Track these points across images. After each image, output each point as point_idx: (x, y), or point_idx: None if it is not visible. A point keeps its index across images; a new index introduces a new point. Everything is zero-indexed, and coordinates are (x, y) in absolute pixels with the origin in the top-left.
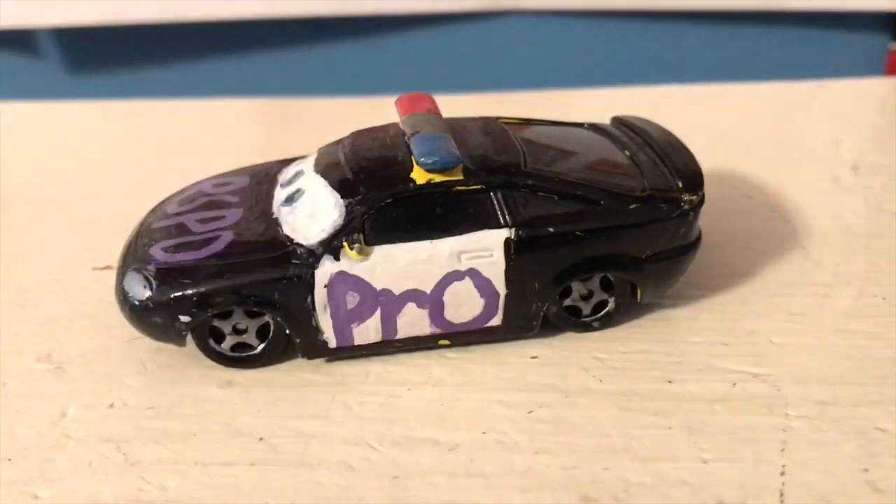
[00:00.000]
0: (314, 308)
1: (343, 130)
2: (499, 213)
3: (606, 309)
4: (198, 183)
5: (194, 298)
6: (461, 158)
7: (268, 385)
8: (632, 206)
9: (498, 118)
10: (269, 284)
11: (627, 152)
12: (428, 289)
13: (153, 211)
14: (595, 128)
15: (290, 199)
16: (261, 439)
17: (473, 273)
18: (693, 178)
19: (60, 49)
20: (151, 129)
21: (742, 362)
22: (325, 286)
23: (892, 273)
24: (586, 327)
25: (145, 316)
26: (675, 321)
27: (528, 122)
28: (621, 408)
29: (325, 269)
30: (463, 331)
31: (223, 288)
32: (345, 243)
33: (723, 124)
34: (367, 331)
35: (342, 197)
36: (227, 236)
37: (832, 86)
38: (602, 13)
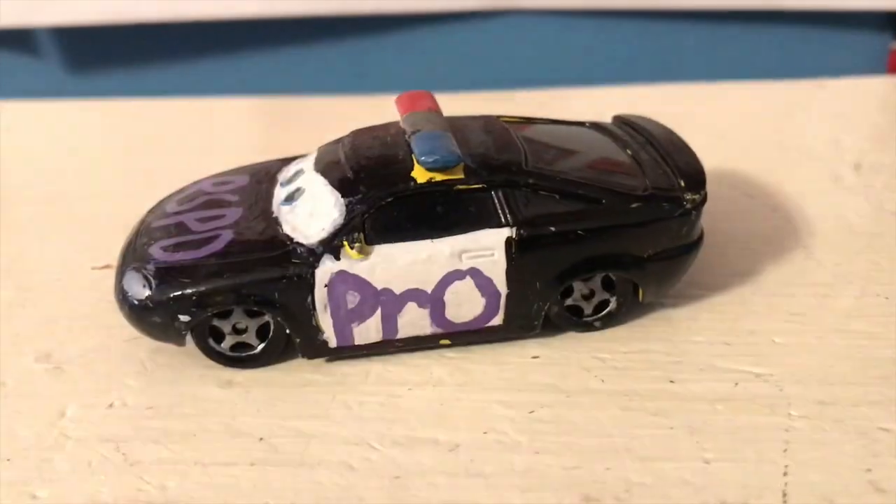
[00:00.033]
0: (314, 307)
1: (343, 129)
2: (500, 212)
3: (608, 308)
4: (197, 182)
5: (194, 298)
6: (462, 157)
7: (268, 385)
8: (633, 206)
9: (499, 117)
10: (268, 284)
11: (629, 151)
12: (429, 288)
13: (152, 210)
14: (596, 126)
15: (290, 198)
16: (261, 439)
17: (474, 272)
18: (695, 176)
19: (60, 48)
20: (151, 128)
21: (744, 362)
22: (326, 286)
23: (894, 272)
24: (588, 327)
25: (145, 315)
26: (676, 321)
27: (530, 121)
28: (623, 408)
29: (326, 269)
30: (464, 330)
31: (223, 287)
32: (345, 242)
33: (723, 124)
34: (368, 330)
35: (342, 196)
36: (227, 235)
37: (833, 85)
38: (603, 12)
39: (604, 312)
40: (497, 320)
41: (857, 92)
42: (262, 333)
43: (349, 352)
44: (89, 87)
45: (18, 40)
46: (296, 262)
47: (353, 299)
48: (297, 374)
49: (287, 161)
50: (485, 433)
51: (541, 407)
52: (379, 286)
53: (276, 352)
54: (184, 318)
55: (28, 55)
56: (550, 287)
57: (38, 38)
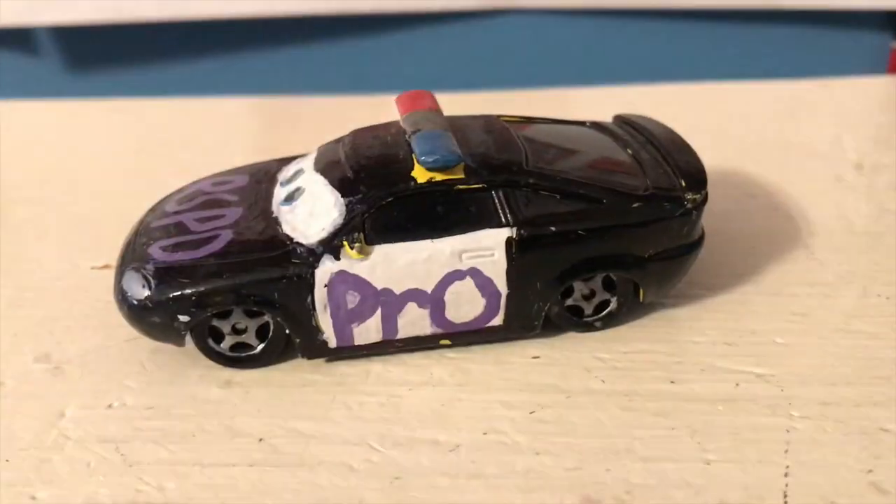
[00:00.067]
0: (314, 308)
1: (343, 129)
2: (500, 211)
3: (608, 309)
4: (197, 182)
5: (193, 298)
6: (462, 157)
7: (267, 385)
8: (634, 205)
9: (499, 116)
10: (268, 284)
11: (630, 151)
12: (429, 288)
13: (152, 210)
14: (597, 126)
15: (289, 198)
16: (260, 440)
17: (475, 272)
18: (696, 176)
19: (59, 47)
20: (151, 127)
21: (745, 362)
22: (325, 286)
23: (895, 272)
24: (588, 327)
25: (144, 315)
26: (677, 321)
27: (530, 121)
28: (623, 408)
29: (325, 269)
30: (464, 330)
31: (222, 287)
32: (345, 242)
33: (725, 123)
34: (368, 331)
35: (342, 196)
36: (227, 235)
37: (835, 84)
38: (604, 11)
39: (604, 312)
40: (497, 320)
41: (858, 92)
42: (261, 334)
43: (349, 352)
44: (89, 87)
45: (18, 40)
46: (295, 262)
47: (353, 299)
48: (297, 374)
49: (287, 161)
50: (485, 434)
51: (541, 407)
52: (379, 286)
53: (276, 352)
54: (183, 318)
55: (28, 55)
56: (551, 287)
57: (38, 38)
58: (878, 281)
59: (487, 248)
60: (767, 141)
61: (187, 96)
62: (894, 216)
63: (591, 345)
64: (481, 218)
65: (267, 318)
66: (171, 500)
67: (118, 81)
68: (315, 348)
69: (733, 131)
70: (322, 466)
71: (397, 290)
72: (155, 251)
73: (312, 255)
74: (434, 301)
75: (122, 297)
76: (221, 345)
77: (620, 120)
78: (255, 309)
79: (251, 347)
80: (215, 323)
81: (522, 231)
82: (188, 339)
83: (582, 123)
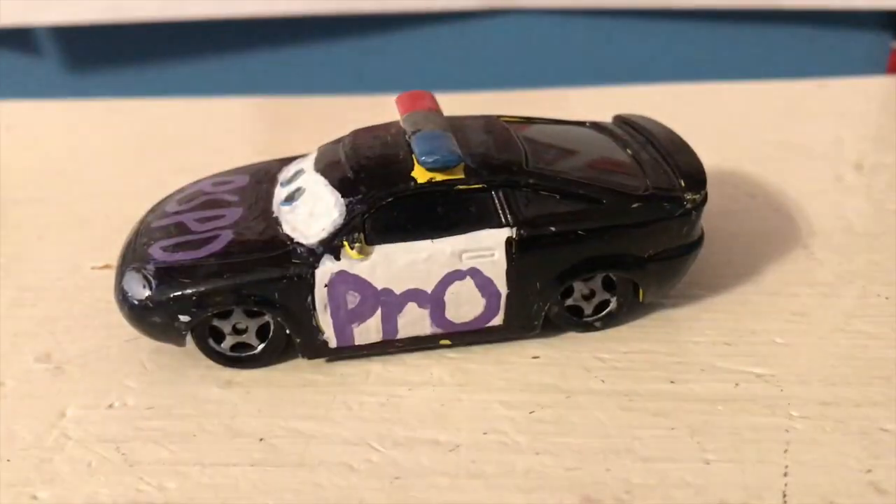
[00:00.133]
0: (314, 308)
1: (343, 129)
2: (500, 212)
3: (608, 309)
4: (197, 182)
5: (194, 298)
6: (462, 157)
7: (268, 385)
8: (634, 206)
9: (499, 117)
10: (268, 284)
11: (630, 151)
12: (429, 288)
13: (152, 210)
14: (597, 126)
15: (290, 198)
16: (261, 440)
17: (475, 272)
18: (696, 176)
19: (59, 47)
20: (151, 127)
21: (745, 362)
22: (326, 286)
23: (895, 272)
24: (588, 327)
25: (144, 315)
26: (677, 321)
27: (530, 121)
28: (623, 408)
29: (326, 269)
30: (464, 331)
31: (223, 287)
32: (345, 242)
33: (724, 123)
34: (368, 331)
35: (343, 196)
36: (227, 235)
37: (834, 84)
38: (603, 11)
39: (604, 312)
40: (497, 320)
41: (859, 91)
42: (262, 334)
43: (349, 352)
44: (89, 86)
45: (18, 40)
46: (296, 263)
47: (353, 299)
48: (298, 374)
49: (287, 161)
50: (485, 434)
51: (541, 407)
52: (379, 286)
53: (276, 352)
54: (184, 318)
55: (28, 55)
56: (551, 287)
57: (38, 38)
58: (878, 281)
59: (487, 249)
60: (767, 141)
61: (187, 96)
62: (894, 216)
63: (591, 345)
64: (481, 218)
65: (267, 318)
66: (172, 500)
67: (118, 81)
68: (315, 348)
69: (733, 131)
70: (322, 466)
71: (397, 291)
72: (155, 251)
73: (313, 256)
74: (434, 301)
75: (123, 298)
76: (222, 345)
77: (620, 120)
78: (255, 309)
79: (251, 347)
80: (216, 323)
81: (522, 231)
82: (188, 339)
83: (582, 124)
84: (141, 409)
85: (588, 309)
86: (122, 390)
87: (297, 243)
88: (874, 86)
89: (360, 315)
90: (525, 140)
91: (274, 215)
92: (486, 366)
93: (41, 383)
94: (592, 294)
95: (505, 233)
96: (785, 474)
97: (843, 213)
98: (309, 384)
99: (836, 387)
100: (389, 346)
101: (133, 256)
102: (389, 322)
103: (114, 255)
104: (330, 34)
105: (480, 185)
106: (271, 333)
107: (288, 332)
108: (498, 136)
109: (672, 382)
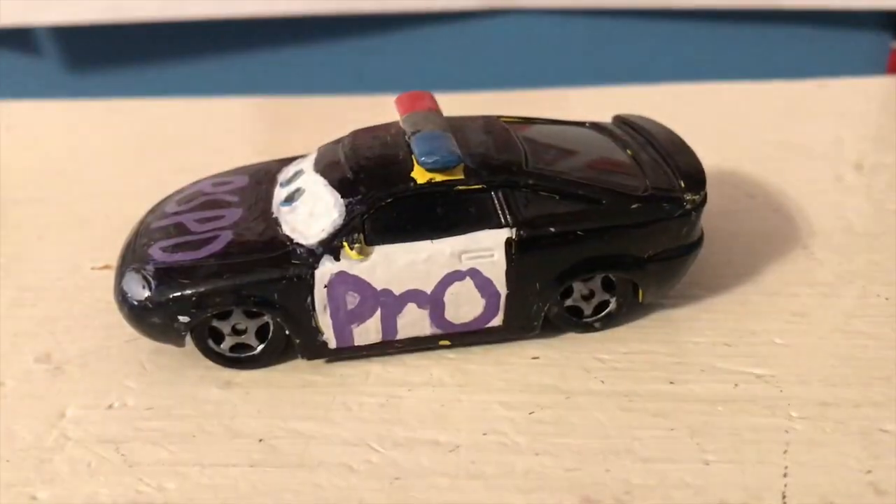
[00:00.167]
0: (314, 308)
1: (343, 129)
2: (500, 212)
3: (608, 309)
4: (197, 182)
5: (193, 298)
6: (462, 157)
7: (267, 386)
8: (634, 206)
9: (499, 117)
10: (268, 284)
11: (629, 151)
12: (428, 289)
13: (152, 210)
14: (597, 127)
15: (289, 199)
16: (260, 440)
17: (474, 273)
18: (695, 177)
19: (60, 48)
20: (151, 128)
21: (744, 363)
22: (325, 286)
23: (895, 272)
24: (587, 328)
25: (144, 316)
26: (676, 321)
27: (530, 121)
28: (623, 409)
29: (325, 269)
30: (463, 331)
31: (222, 288)
32: (345, 243)
33: (724, 123)
34: (368, 331)
35: (342, 196)
36: (227, 236)
37: (834, 84)
38: (603, 11)
39: (604, 313)
40: (497, 321)
41: (859, 91)
42: (261, 334)
43: (349, 353)
44: (89, 86)
45: (18, 40)
46: (295, 263)
47: (352, 300)
48: (297, 375)
49: (287, 161)
50: (485, 434)
51: (541, 408)
52: (379, 287)
53: (276, 353)
54: (183, 318)
55: (28, 55)
56: (550, 288)
57: (38, 38)
58: (878, 281)
59: (487, 249)
60: (767, 141)
61: (187, 96)
62: (894, 216)
63: (591, 345)
64: (481, 219)
65: (267, 318)
66: (172, 501)
67: (118, 81)
68: (315, 349)
69: (733, 131)
70: (322, 467)
71: (397, 291)
72: (155, 252)
73: (312, 256)
74: (434, 302)
75: (123, 298)
76: (221, 345)
77: (620, 120)
78: (254, 310)
79: (251, 348)
80: (215, 323)
81: (522, 232)
82: (188, 339)
83: (581, 124)
84: (141, 409)
85: (588, 309)
86: (121, 391)
87: (297, 244)
88: (874, 86)
89: (360, 316)
90: (525, 140)
91: (273, 216)
92: (486, 366)
93: (41, 383)
94: (592, 294)
95: (504, 233)
96: (785, 475)
97: (843, 213)
98: (308, 385)
99: (835, 387)
100: (389, 346)
101: (133, 257)
102: (389, 323)
103: (114, 255)
104: (330, 34)
105: (480, 186)
106: (271, 334)
107: (287, 332)
108: (498, 136)
109: (672, 383)
